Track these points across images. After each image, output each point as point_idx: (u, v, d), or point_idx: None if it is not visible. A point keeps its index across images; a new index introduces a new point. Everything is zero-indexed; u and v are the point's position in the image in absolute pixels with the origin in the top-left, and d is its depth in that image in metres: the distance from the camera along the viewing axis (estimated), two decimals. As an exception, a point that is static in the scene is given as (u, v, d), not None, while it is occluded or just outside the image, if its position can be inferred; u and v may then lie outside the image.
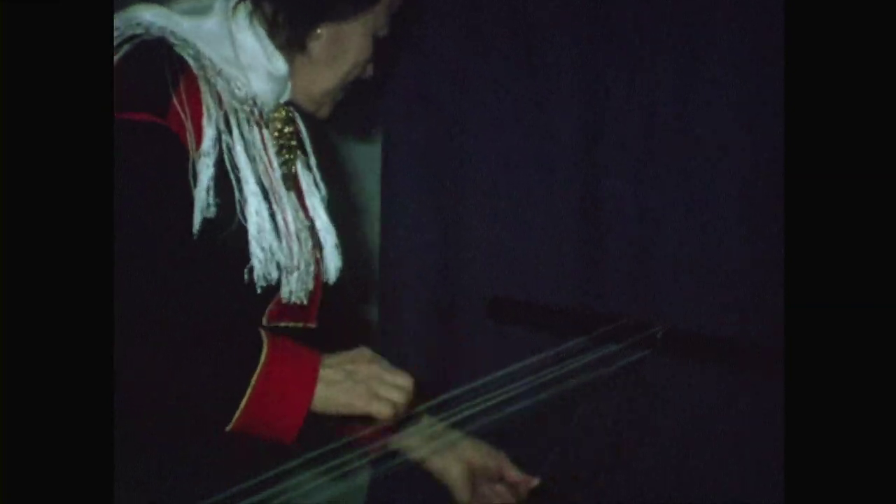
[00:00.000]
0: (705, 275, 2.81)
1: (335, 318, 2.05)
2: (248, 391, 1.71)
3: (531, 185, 2.94)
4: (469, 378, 2.15)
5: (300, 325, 1.94)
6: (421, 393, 1.88)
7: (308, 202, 1.99)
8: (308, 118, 2.06)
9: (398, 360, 2.98)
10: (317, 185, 2.02)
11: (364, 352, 1.84)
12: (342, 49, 1.92)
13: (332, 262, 1.99)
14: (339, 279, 2.01)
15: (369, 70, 1.96)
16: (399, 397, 1.81)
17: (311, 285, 1.90)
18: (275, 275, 1.82)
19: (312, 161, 2.03)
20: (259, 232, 1.81)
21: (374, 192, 3.03)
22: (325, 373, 1.78)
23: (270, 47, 1.88)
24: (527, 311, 2.87)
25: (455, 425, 2.10)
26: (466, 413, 2.11)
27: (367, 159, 3.08)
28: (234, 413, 1.71)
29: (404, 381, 1.83)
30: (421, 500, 3.02)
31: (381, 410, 1.79)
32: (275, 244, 1.83)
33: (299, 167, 2.00)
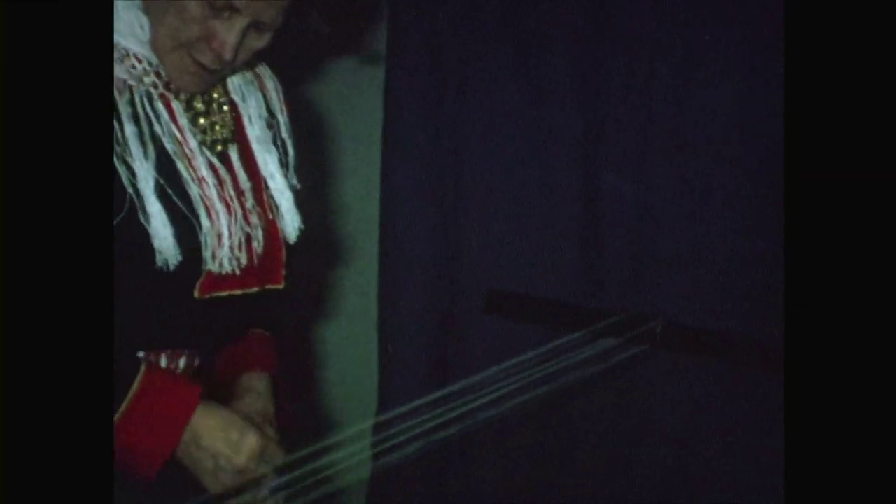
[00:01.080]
0: (704, 272, 2.81)
1: (300, 278, 2.05)
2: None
3: (530, 182, 2.94)
4: (469, 375, 2.16)
5: (246, 290, 1.93)
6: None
7: (260, 162, 1.98)
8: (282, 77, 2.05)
9: (398, 359, 3.02)
10: (277, 143, 2.01)
11: (250, 444, 1.84)
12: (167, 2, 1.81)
13: (291, 223, 1.99)
14: (302, 238, 2.01)
15: (225, 52, 1.82)
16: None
17: (245, 259, 1.89)
18: (173, 258, 1.80)
19: (270, 120, 2.01)
20: (157, 211, 1.79)
21: (374, 189, 3.03)
22: (191, 452, 1.80)
23: (139, 11, 1.83)
24: (525, 305, 2.88)
25: (455, 419, 2.11)
26: (465, 408, 2.11)
27: (366, 157, 3.08)
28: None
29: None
30: (420, 497, 3.03)
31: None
32: (163, 227, 1.79)
33: (249, 128, 1.98)
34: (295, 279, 2.03)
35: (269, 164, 1.99)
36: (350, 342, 3.17)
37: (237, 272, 1.89)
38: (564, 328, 2.42)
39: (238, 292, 1.92)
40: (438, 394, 2.15)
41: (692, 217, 2.81)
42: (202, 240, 1.84)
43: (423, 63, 2.94)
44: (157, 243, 1.79)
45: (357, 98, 3.08)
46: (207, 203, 1.85)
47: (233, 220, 1.87)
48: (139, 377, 1.77)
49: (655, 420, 2.89)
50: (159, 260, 1.79)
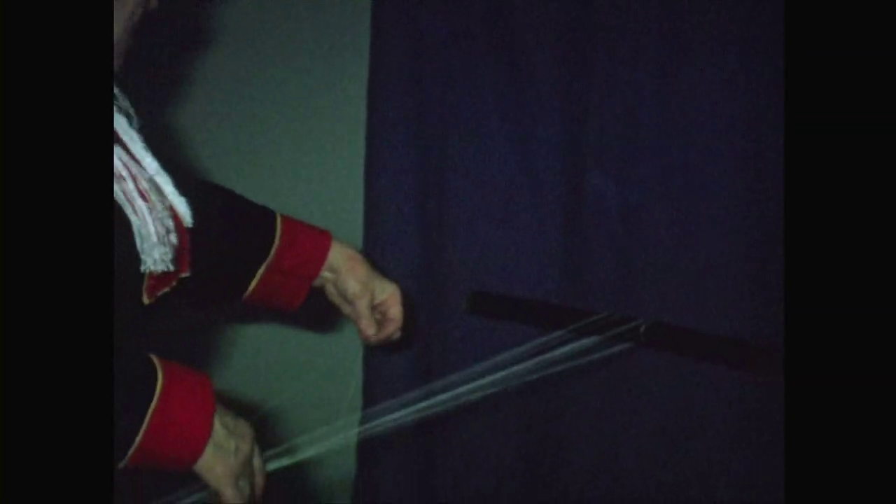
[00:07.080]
0: (691, 274, 2.82)
1: (212, 265, 1.96)
2: (142, 429, 1.64)
3: (514, 182, 2.94)
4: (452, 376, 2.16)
5: (174, 283, 1.81)
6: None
7: (134, 152, 1.82)
8: None
9: (381, 359, 3.01)
10: (131, 129, 1.84)
11: (248, 429, 1.76)
12: None
13: (182, 205, 1.84)
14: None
15: (153, 2, 1.76)
16: (251, 493, 1.77)
17: (171, 252, 1.75)
18: (157, 261, 1.71)
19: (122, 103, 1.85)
20: (140, 216, 1.71)
21: (357, 189, 3.03)
22: (218, 435, 1.71)
23: None
24: (508, 306, 2.87)
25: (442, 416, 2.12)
26: (449, 406, 2.11)
27: (349, 156, 3.08)
28: (127, 451, 1.64)
29: (261, 478, 1.80)
30: (407, 495, 3.03)
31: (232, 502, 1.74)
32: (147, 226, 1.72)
33: (117, 118, 1.82)
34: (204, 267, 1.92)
35: (138, 150, 1.82)
36: (332, 341, 3.17)
37: (170, 267, 1.76)
38: (547, 328, 2.42)
39: (167, 289, 1.80)
40: (422, 390, 2.15)
41: (678, 216, 2.81)
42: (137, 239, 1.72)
43: (406, 61, 2.94)
44: (145, 245, 1.71)
45: (340, 96, 3.08)
46: (129, 197, 1.72)
47: (154, 213, 1.75)
48: (160, 371, 1.67)
49: (641, 418, 2.90)
50: (148, 263, 1.71)
